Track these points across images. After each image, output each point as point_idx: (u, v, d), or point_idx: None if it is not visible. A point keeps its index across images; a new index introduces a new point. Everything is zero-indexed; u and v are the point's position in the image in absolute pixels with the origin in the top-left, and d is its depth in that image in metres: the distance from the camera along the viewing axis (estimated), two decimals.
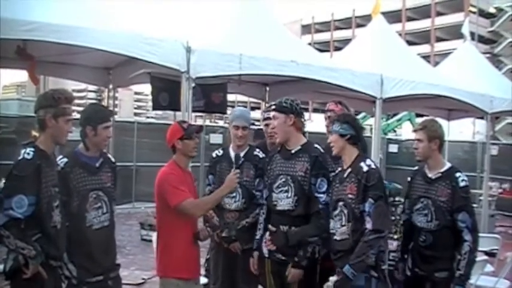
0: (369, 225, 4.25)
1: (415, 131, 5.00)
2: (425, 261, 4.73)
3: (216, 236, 5.24)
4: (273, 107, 4.92)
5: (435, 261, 4.69)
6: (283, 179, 4.76)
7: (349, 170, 4.45)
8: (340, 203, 4.44)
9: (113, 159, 4.62)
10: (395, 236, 6.78)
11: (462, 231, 4.58)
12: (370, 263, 4.24)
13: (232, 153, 5.42)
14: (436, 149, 4.78)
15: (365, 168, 4.34)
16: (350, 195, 4.37)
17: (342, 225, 4.40)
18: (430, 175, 4.80)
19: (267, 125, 5.66)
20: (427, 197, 4.76)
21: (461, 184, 4.64)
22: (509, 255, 6.91)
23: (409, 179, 5.09)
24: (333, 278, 4.47)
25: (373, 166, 4.37)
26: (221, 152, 5.55)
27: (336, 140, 4.53)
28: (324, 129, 5.55)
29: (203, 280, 5.37)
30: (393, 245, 6.71)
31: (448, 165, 4.81)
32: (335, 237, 4.46)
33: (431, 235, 4.70)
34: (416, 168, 5.10)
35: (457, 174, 4.68)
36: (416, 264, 4.78)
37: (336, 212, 4.47)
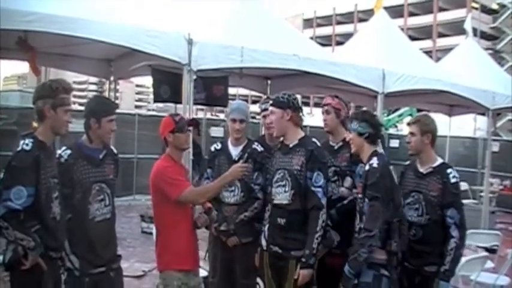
0: (362, 224, 4.39)
1: (408, 124, 5.04)
2: (415, 255, 4.73)
3: (214, 229, 5.24)
4: (270, 102, 4.92)
5: (425, 256, 4.73)
6: (281, 174, 4.78)
7: (364, 168, 4.53)
8: (358, 201, 4.59)
9: (115, 151, 4.63)
10: None
11: (450, 227, 4.63)
12: (365, 259, 4.29)
13: (230, 147, 5.41)
14: (429, 143, 4.82)
15: (367, 167, 4.43)
16: (359, 194, 4.53)
17: (357, 224, 4.53)
18: (421, 170, 4.86)
19: (264, 116, 5.64)
20: (418, 191, 4.81)
21: (452, 180, 4.70)
22: (510, 252, 6.91)
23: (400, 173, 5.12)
24: None
25: (374, 165, 4.39)
26: (219, 145, 5.52)
27: (354, 138, 4.61)
28: None
29: (202, 273, 5.37)
30: None
31: (439, 160, 4.87)
32: (356, 235, 4.55)
33: (422, 229, 4.75)
34: (407, 163, 5.15)
35: (449, 170, 4.74)
36: (406, 257, 4.73)
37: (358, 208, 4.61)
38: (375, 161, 4.41)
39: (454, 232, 4.61)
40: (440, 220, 4.69)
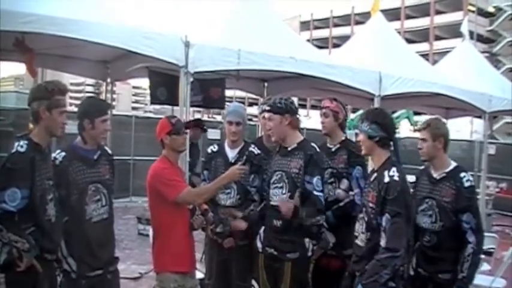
0: (382, 242, 3.99)
1: (418, 130, 4.86)
2: (429, 261, 4.61)
3: (210, 231, 5.24)
4: (267, 107, 4.88)
5: (439, 262, 4.57)
6: (279, 175, 4.77)
7: (375, 175, 4.23)
8: (363, 209, 4.28)
9: (110, 152, 4.62)
10: None
11: (466, 233, 4.44)
12: (383, 281, 3.93)
13: (227, 149, 5.41)
14: (441, 148, 4.63)
15: (386, 179, 4.05)
16: (371, 204, 4.15)
17: (362, 232, 4.24)
18: (435, 175, 4.67)
19: (264, 117, 5.63)
20: (431, 197, 4.62)
21: (466, 184, 4.50)
22: (506, 254, 6.91)
23: (414, 178, 5.00)
24: None
25: (395, 177, 4.03)
26: (216, 147, 5.51)
27: (363, 141, 4.27)
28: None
29: (199, 275, 5.37)
30: None
31: (453, 164, 4.66)
32: (356, 240, 4.30)
33: (436, 236, 4.57)
34: (422, 167, 4.95)
35: (462, 174, 4.54)
36: (420, 264, 4.67)
37: (361, 215, 4.30)
38: (395, 174, 4.06)
39: (471, 237, 4.42)
40: (455, 227, 4.50)
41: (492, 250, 7.02)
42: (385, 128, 4.23)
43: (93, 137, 4.30)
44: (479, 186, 11.72)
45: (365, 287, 3.97)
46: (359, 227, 4.29)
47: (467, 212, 4.47)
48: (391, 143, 4.30)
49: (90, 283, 4.24)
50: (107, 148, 4.62)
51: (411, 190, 4.58)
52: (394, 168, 4.10)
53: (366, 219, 4.18)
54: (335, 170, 5.16)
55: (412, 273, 4.74)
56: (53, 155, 4.21)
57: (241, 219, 5.11)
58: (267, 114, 4.89)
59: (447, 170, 4.63)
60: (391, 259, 3.91)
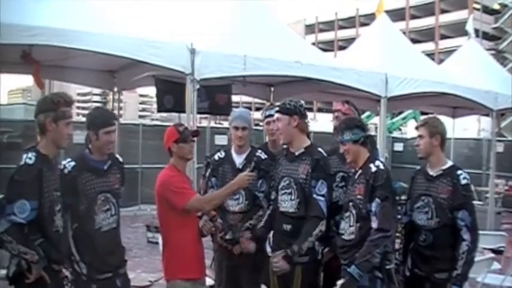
0: (374, 225, 4.25)
1: (416, 127, 4.98)
2: (425, 261, 4.67)
3: (220, 238, 5.24)
4: (276, 108, 4.91)
5: (435, 262, 4.61)
6: (287, 181, 4.77)
7: (360, 171, 4.49)
8: (350, 204, 4.47)
9: (120, 159, 4.65)
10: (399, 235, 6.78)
11: (461, 230, 4.51)
12: (375, 263, 4.21)
13: (234, 155, 5.41)
14: (438, 145, 4.72)
15: (373, 169, 4.36)
16: (359, 196, 4.39)
17: (350, 226, 4.43)
18: (431, 173, 4.75)
19: (268, 123, 5.65)
20: (428, 194, 4.69)
21: (463, 182, 4.58)
22: None
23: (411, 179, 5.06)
24: (340, 282, 4.34)
25: (381, 167, 4.39)
26: (223, 154, 5.49)
27: (349, 148, 4.54)
28: (328, 129, 5.54)
29: (209, 281, 5.37)
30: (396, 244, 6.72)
31: (449, 163, 4.77)
32: (343, 236, 4.48)
33: (432, 234, 4.62)
34: (418, 168, 5.04)
35: (459, 172, 4.63)
36: (416, 264, 4.72)
37: (347, 214, 4.49)
38: (380, 164, 4.42)
39: (466, 235, 4.48)
40: (451, 224, 4.56)
41: (502, 249, 7.01)
42: (363, 128, 4.63)
43: (98, 148, 4.34)
44: (488, 184, 11.70)
45: (358, 267, 4.21)
46: (345, 225, 4.51)
47: (463, 209, 4.54)
48: (369, 142, 4.62)
49: (100, 287, 4.27)
50: (117, 156, 4.65)
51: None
52: (378, 161, 4.49)
53: (354, 212, 4.41)
54: (346, 174, 5.15)
55: (408, 274, 4.83)
56: (63, 162, 4.25)
57: (250, 240, 5.14)
58: (275, 115, 4.91)
59: (444, 167, 4.72)
60: (383, 239, 4.22)
